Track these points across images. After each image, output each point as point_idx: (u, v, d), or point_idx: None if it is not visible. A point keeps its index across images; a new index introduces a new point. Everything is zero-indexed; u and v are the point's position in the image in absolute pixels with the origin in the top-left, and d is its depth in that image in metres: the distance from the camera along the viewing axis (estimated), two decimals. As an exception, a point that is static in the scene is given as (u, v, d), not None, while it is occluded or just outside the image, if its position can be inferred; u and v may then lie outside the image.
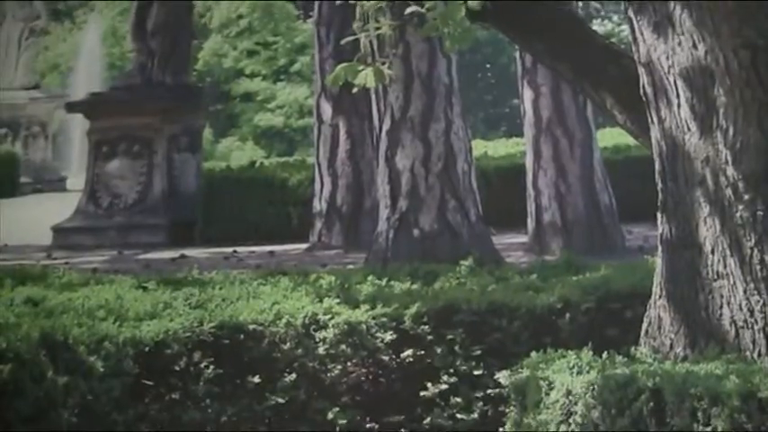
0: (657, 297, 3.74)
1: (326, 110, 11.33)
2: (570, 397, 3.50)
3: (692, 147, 3.57)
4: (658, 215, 3.73)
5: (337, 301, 4.72)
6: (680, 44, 3.54)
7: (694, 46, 3.52)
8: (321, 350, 4.56)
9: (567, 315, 4.71)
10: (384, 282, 5.10)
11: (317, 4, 11.52)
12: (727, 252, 3.50)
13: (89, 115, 12.76)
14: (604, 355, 3.69)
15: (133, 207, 12.13)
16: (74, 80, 24.57)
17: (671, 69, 3.57)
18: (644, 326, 3.80)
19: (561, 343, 4.16)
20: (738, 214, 3.48)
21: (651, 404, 3.30)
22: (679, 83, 3.56)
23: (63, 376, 4.03)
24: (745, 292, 3.48)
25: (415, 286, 5.03)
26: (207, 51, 28.44)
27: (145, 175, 12.22)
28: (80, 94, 16.80)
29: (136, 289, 4.94)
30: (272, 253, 10.41)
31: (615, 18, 29.97)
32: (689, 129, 3.57)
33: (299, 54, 28.38)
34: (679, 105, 3.58)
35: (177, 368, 4.38)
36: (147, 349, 4.33)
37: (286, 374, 4.49)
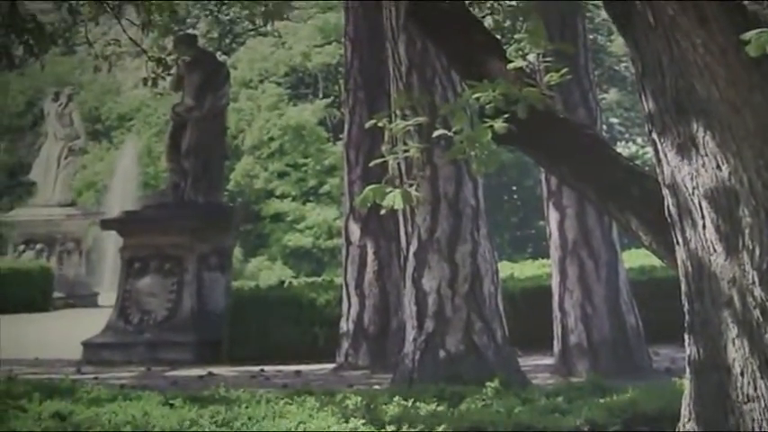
0: (686, 420, 3.70)
1: (355, 231, 11.42)
2: None
3: (719, 267, 3.58)
4: (685, 336, 3.72)
5: (363, 421, 4.69)
6: (704, 165, 3.59)
7: (718, 167, 3.57)
8: (346, 470, 4.51)
9: (595, 437, 4.65)
10: (410, 403, 5.07)
11: (346, 126, 11.74)
12: (757, 374, 3.47)
13: (122, 233, 12.93)
14: (632, 478, 3.63)
15: (162, 324, 12.17)
16: (109, 198, 24.98)
17: (695, 190, 3.61)
18: (672, 449, 3.74)
19: (588, 465, 4.10)
20: (767, 335, 3.47)
21: None
22: (704, 204, 3.60)
23: (88, 492, 4.00)
24: (774, 414, 3.44)
25: (441, 408, 4.99)
26: (239, 172, 28.90)
27: (175, 293, 12.29)
28: (114, 211, 17.06)
29: (163, 405, 4.94)
30: (298, 372, 10.36)
31: (639, 140, 30.24)
32: (715, 249, 3.59)
33: (329, 176, 28.76)
34: (704, 226, 3.60)
35: (202, 486, 4.34)
36: (171, 466, 4.31)
37: (311, 494, 4.44)
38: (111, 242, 18.10)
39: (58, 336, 13.63)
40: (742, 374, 3.50)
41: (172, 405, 4.94)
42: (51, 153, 20.13)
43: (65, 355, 11.68)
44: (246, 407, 4.87)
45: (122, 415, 4.65)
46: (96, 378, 9.17)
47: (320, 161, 28.98)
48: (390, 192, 3.91)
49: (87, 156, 23.78)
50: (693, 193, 3.60)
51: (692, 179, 3.61)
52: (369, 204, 3.99)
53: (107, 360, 11.50)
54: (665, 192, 3.72)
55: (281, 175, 29.12)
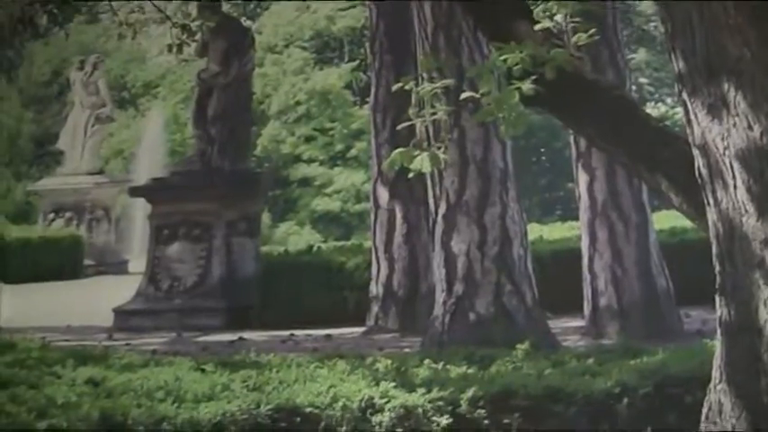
0: (717, 381, 3.68)
1: (383, 194, 11.42)
2: (629, 483, 3.44)
3: (750, 228, 3.54)
4: (716, 298, 3.70)
5: (393, 384, 4.71)
6: (735, 126, 3.55)
7: (749, 127, 3.53)
8: (377, 433, 4.54)
9: (625, 400, 4.65)
10: (440, 365, 5.08)
11: (373, 89, 11.70)
12: (789, 336, 3.45)
13: (151, 200, 13.00)
14: (664, 440, 3.63)
15: (192, 290, 12.24)
16: (136, 166, 25.10)
17: (726, 151, 3.58)
18: (704, 411, 3.74)
19: (619, 428, 4.11)
20: (799, 297, 3.44)
21: (713, 491, 3.22)
22: (735, 164, 3.56)
23: (122, 456, 4.06)
24: (806, 376, 3.42)
25: (471, 370, 5.01)
26: (265, 137, 28.92)
27: (204, 259, 12.35)
28: (142, 179, 17.14)
29: (194, 371, 4.98)
30: (328, 336, 10.41)
31: (669, 101, 29.95)
32: (746, 210, 3.55)
33: (356, 140, 28.73)
34: (735, 187, 3.57)
35: (234, 450, 4.39)
36: (204, 431, 4.35)
37: (342, 457, 4.47)
38: (140, 209, 18.20)
39: (88, 303, 13.77)
40: (774, 335, 3.47)
41: (203, 370, 4.99)
42: (78, 122, 20.21)
43: (96, 322, 11.80)
44: (277, 371, 4.91)
45: (154, 380, 4.70)
46: (128, 344, 9.26)
47: (347, 125, 28.94)
48: (418, 155, 3.89)
49: (114, 124, 23.85)
50: (724, 154, 3.56)
51: (722, 140, 3.57)
52: (396, 168, 3.97)
53: (138, 326, 11.60)
54: (696, 153, 3.68)
55: (309, 139, 29.12)
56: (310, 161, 28.87)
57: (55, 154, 23.07)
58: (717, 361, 3.69)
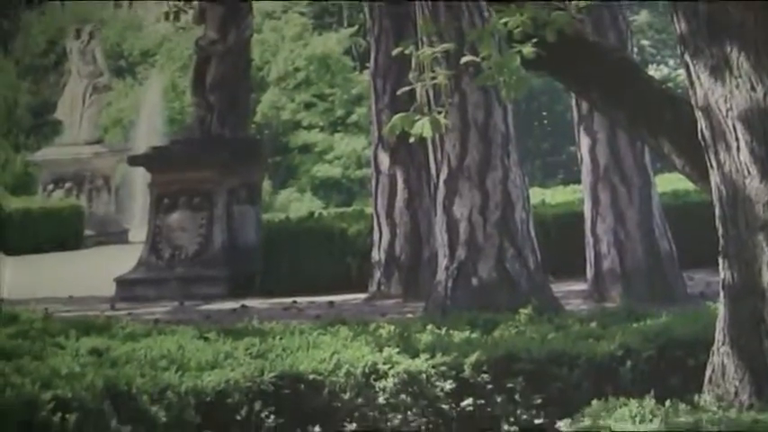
0: (720, 344, 3.68)
1: (384, 160, 11.39)
2: (633, 446, 3.45)
3: (753, 191, 3.53)
4: (719, 261, 3.70)
5: (397, 350, 4.72)
6: (738, 87, 3.53)
7: (752, 88, 3.51)
8: (381, 399, 4.56)
9: (629, 363, 4.65)
10: (443, 331, 5.09)
11: (372, 55, 11.64)
12: (792, 297, 3.45)
13: (150, 169, 12.97)
14: (667, 403, 3.64)
15: (194, 259, 12.25)
16: (135, 134, 25.04)
17: (729, 113, 3.56)
18: (707, 373, 3.74)
19: (622, 391, 4.11)
20: (802, 259, 3.43)
21: (716, 453, 3.24)
22: (738, 126, 3.54)
23: (126, 425, 4.07)
24: (810, 337, 3.42)
25: (474, 335, 5.01)
26: (265, 104, 28.82)
27: (205, 227, 12.35)
28: (142, 147, 17.10)
29: (197, 339, 4.99)
30: (331, 303, 10.43)
31: (671, 63, 29.79)
32: (749, 172, 3.54)
33: (356, 105, 28.63)
34: (738, 149, 3.55)
35: (238, 418, 4.40)
36: (208, 399, 4.36)
37: (346, 424, 4.49)
38: (140, 178, 18.17)
39: (90, 273, 13.78)
40: (777, 297, 3.47)
41: (206, 338, 4.99)
42: (76, 91, 20.14)
43: (98, 292, 11.82)
44: (280, 338, 4.92)
45: (158, 349, 4.71)
46: (130, 314, 9.28)
47: (347, 91, 28.83)
48: (419, 120, 3.88)
49: (112, 93, 23.73)
50: (727, 116, 3.54)
51: (725, 101, 3.55)
52: (397, 133, 3.96)
53: (140, 296, 11.62)
54: (699, 114, 3.66)
55: (308, 105, 29.02)
56: (310, 127, 28.79)
57: (53, 124, 23.01)
58: (720, 323, 3.69)
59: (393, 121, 3.92)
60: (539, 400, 4.59)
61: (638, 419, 3.53)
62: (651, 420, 3.49)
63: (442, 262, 8.58)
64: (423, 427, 4.58)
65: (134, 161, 13.97)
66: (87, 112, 20.10)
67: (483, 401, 4.58)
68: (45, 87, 28.41)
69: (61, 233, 18.13)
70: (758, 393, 3.54)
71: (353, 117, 28.64)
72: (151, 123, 24.80)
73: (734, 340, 3.62)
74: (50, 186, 19.77)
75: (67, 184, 19.57)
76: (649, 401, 3.66)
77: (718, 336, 3.71)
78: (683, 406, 3.60)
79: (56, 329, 5.12)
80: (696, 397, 3.69)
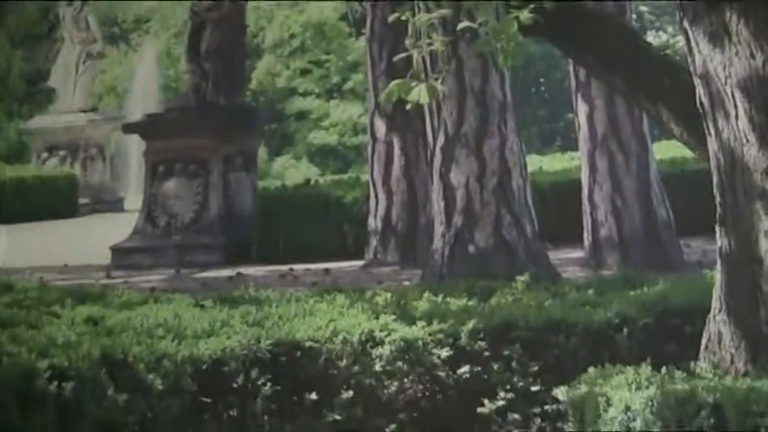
0: (717, 312, 3.69)
1: (380, 127, 11.36)
2: (629, 413, 3.46)
3: (751, 159, 3.52)
4: (717, 229, 3.69)
5: (393, 317, 4.72)
6: (737, 54, 3.50)
7: (752, 56, 3.48)
8: (378, 367, 4.57)
9: (625, 331, 4.66)
10: (440, 298, 5.09)
11: (368, 21, 11.57)
12: (789, 265, 3.44)
13: (145, 136, 12.92)
14: (663, 370, 3.65)
15: (190, 227, 12.24)
16: (130, 102, 24.93)
17: (728, 80, 3.54)
18: (703, 341, 3.75)
19: (619, 359, 4.12)
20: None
21: (712, 420, 3.25)
22: (737, 93, 3.52)
23: (123, 394, 4.08)
24: (807, 305, 3.42)
25: (471, 303, 5.01)
26: (260, 71, 28.70)
27: (201, 195, 12.33)
28: (136, 115, 17.03)
29: (193, 307, 4.99)
30: (327, 271, 10.44)
31: (670, 29, 29.65)
32: (747, 140, 3.53)
33: (352, 72, 28.51)
34: (737, 116, 3.53)
35: (235, 386, 4.41)
36: (205, 367, 4.37)
37: (343, 391, 4.50)
38: (135, 146, 18.12)
39: (85, 242, 13.77)
40: (774, 265, 3.47)
41: (203, 306, 4.99)
42: (69, 59, 20.02)
43: (94, 261, 11.82)
44: (276, 306, 4.92)
45: (154, 318, 4.71)
46: (126, 282, 9.27)
47: (343, 57, 28.70)
48: (415, 86, 3.85)
49: (106, 60, 23.58)
50: (726, 83, 3.52)
51: (724, 68, 3.52)
52: (394, 100, 3.93)
53: (136, 264, 11.61)
54: (697, 82, 3.64)
55: (304, 72, 28.90)
56: (306, 94, 28.69)
57: (47, 92, 22.88)
58: (717, 292, 3.69)
59: (389, 87, 3.90)
60: (535, 368, 4.60)
61: (634, 386, 3.54)
62: (647, 387, 3.50)
63: (439, 229, 8.58)
64: (419, 395, 4.59)
65: (129, 129, 13.92)
66: (81, 80, 19.99)
67: (479, 369, 4.60)
68: (39, 55, 28.24)
69: (56, 202, 18.09)
70: (754, 361, 3.55)
71: (349, 84, 28.54)
72: (146, 91, 24.68)
73: (730, 308, 3.62)
74: (44, 155, 19.71)
75: (62, 153, 19.51)
76: (646, 369, 3.67)
77: (715, 303, 3.71)
78: (679, 373, 3.61)
79: (51, 298, 5.11)
80: (692, 364, 3.70)
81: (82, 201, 18.81)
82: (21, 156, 23.14)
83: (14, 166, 20.57)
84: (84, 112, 19.94)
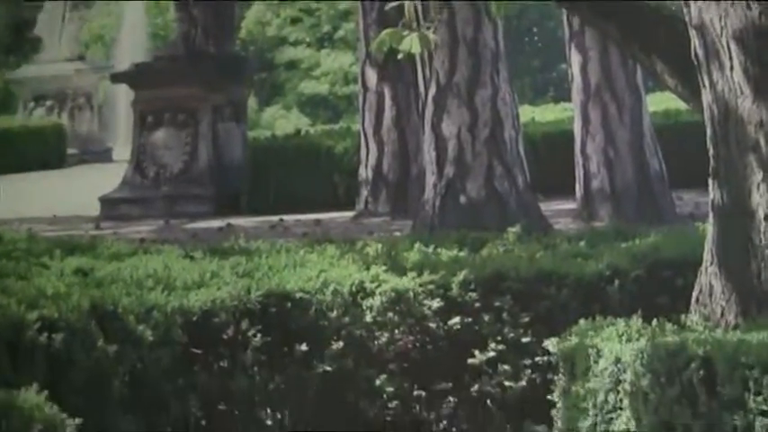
0: (709, 264, 3.68)
1: (371, 77, 11.29)
2: (619, 365, 3.47)
3: (746, 111, 3.50)
4: (710, 181, 3.67)
5: (384, 268, 4.72)
6: (733, 5, 3.46)
7: (748, 7, 3.44)
8: (368, 318, 4.57)
9: (616, 283, 4.66)
10: (431, 249, 5.08)
11: (360, -31, 11.45)
12: (781, 218, 3.43)
13: (134, 86, 12.83)
14: (654, 322, 3.65)
15: (179, 177, 12.20)
16: (118, 51, 24.70)
17: (723, 31, 3.50)
18: (695, 293, 3.75)
19: (610, 311, 4.13)
20: (793, 179, 3.41)
21: (701, 372, 3.26)
22: (732, 45, 3.49)
23: (113, 345, 4.08)
24: (799, 258, 3.42)
25: (462, 254, 5.01)
26: (250, 20, 28.45)
27: (190, 145, 12.28)
28: (124, 64, 16.88)
29: (183, 258, 4.97)
30: (318, 221, 10.43)
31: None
32: (742, 92, 3.50)
33: (343, 20, 28.28)
34: (732, 68, 3.50)
35: (225, 337, 4.41)
36: (195, 318, 4.36)
37: (333, 342, 4.51)
38: (123, 96, 17.97)
39: (74, 192, 13.72)
40: (766, 219, 3.47)
41: (192, 258, 4.98)
42: (55, 7, 19.77)
43: (82, 212, 11.78)
44: (267, 257, 4.90)
45: (143, 269, 4.69)
46: (115, 233, 9.25)
47: (334, 5, 28.44)
48: (407, 35, 3.81)
49: (93, 9, 23.33)
50: (722, 34, 3.49)
51: (720, 19, 3.49)
52: (385, 49, 3.89)
53: (125, 215, 11.59)
54: (692, 33, 3.60)
55: (294, 21, 28.65)
56: (297, 43, 28.47)
57: (33, 41, 22.64)
58: (708, 244, 3.68)
59: (381, 37, 3.85)
60: (526, 319, 4.61)
61: (624, 338, 3.55)
62: (638, 339, 3.51)
63: (430, 180, 8.56)
64: (410, 346, 4.60)
65: (117, 78, 13.81)
66: (67, 29, 19.77)
67: (470, 320, 4.60)
68: (24, 4, 27.89)
69: (43, 152, 17.98)
70: (744, 314, 3.55)
71: (340, 33, 28.32)
72: (134, 39, 24.45)
73: (722, 261, 3.62)
74: (31, 105, 19.54)
75: (49, 103, 19.34)
76: (636, 321, 3.67)
77: (706, 256, 3.70)
78: (669, 325, 3.61)
79: (40, 249, 5.09)
80: (683, 317, 3.70)
81: (70, 151, 18.70)
82: (7, 106, 22.95)
83: (1, 117, 20.41)
84: (72, 61, 19.75)
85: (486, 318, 4.61)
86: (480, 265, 4.78)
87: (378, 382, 4.53)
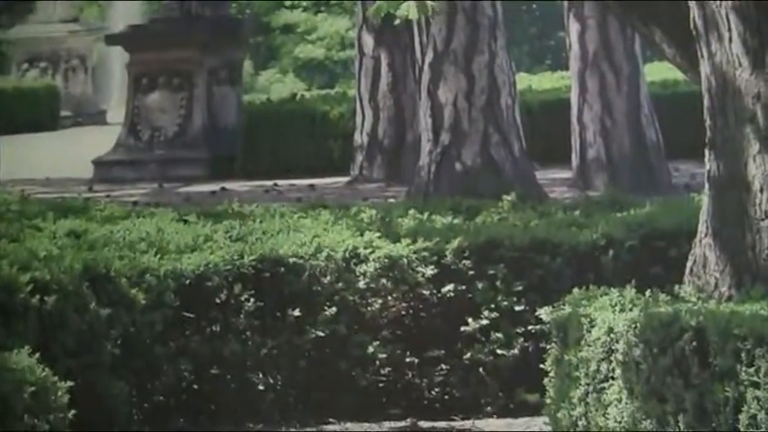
0: (703, 235, 3.68)
1: (368, 42, 11.23)
2: (612, 335, 3.48)
3: (743, 82, 3.48)
4: (706, 152, 3.66)
5: (378, 234, 4.72)
6: (733, -25, 3.43)
7: (748, -23, 3.41)
8: (362, 284, 4.57)
9: (611, 252, 4.67)
10: (425, 216, 5.07)
11: (358, -68, 11.36)
12: (776, 190, 3.43)
13: (129, 48, 12.74)
14: (647, 293, 3.65)
15: (173, 140, 12.16)
16: (113, 13, 24.52)
17: (723, 2, 3.47)
18: (689, 264, 3.75)
19: (604, 280, 4.13)
20: (789, 152, 3.40)
21: (694, 344, 3.27)
22: (731, 16, 3.46)
23: (106, 308, 4.08)
24: (794, 231, 3.41)
25: (456, 221, 5.00)
26: (247, -18, 28.23)
27: (185, 108, 12.22)
28: (119, 26, 16.75)
29: (177, 222, 4.96)
30: (312, 186, 10.41)
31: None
32: (740, 64, 3.48)
33: (340, -15, 28.10)
34: (731, 40, 3.48)
35: (218, 301, 4.42)
36: (188, 282, 4.36)
37: (326, 308, 4.51)
38: (118, 58, 17.84)
39: (67, 155, 13.66)
40: (761, 191, 3.47)
41: (186, 221, 4.97)
42: (49, -32, 19.59)
43: (76, 174, 11.75)
44: (260, 221, 4.90)
45: (136, 232, 4.69)
46: (108, 196, 9.23)
47: (331, -31, 28.25)
48: (405, 1, 3.78)
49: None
50: (721, 5, 3.46)
51: (720, -11, 3.45)
52: (383, 14, 3.86)
53: (118, 178, 11.56)
54: (691, 3, 3.58)
55: (291, -16, 28.45)
56: (293, 7, 28.30)
57: (27, 1, 22.45)
58: (704, 215, 3.68)
59: (378, 2, 3.82)
60: (520, 288, 4.61)
61: (618, 308, 3.56)
62: (631, 309, 3.51)
63: (426, 146, 8.54)
64: (403, 312, 4.61)
65: (111, 40, 13.72)
66: (62, -11, 19.61)
67: (464, 287, 4.61)
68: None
69: (37, 114, 17.87)
70: (737, 286, 3.55)
71: (337, -3, 28.14)
72: (129, 1, 24.26)
73: (716, 232, 3.62)
74: (25, 66, 19.40)
75: (42, 64, 19.21)
76: (630, 291, 3.68)
77: (701, 227, 3.70)
78: (662, 296, 3.62)
79: (33, 212, 5.07)
80: (676, 287, 3.71)
81: (63, 113, 18.60)
82: (0, 67, 22.81)
83: (-7, 78, 20.30)
84: (66, 22, 19.59)
85: (480, 285, 4.62)
86: (475, 232, 4.77)
87: (371, 349, 4.54)
